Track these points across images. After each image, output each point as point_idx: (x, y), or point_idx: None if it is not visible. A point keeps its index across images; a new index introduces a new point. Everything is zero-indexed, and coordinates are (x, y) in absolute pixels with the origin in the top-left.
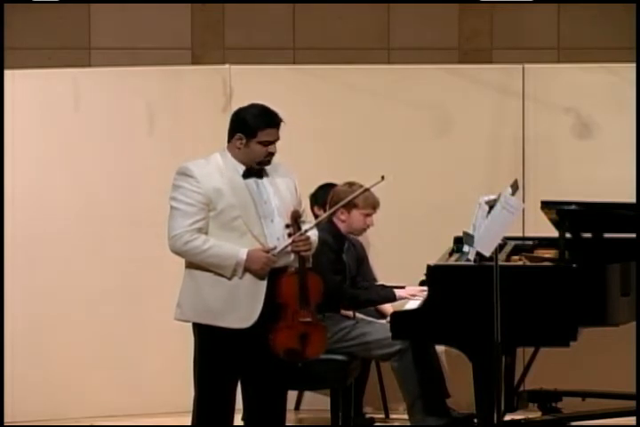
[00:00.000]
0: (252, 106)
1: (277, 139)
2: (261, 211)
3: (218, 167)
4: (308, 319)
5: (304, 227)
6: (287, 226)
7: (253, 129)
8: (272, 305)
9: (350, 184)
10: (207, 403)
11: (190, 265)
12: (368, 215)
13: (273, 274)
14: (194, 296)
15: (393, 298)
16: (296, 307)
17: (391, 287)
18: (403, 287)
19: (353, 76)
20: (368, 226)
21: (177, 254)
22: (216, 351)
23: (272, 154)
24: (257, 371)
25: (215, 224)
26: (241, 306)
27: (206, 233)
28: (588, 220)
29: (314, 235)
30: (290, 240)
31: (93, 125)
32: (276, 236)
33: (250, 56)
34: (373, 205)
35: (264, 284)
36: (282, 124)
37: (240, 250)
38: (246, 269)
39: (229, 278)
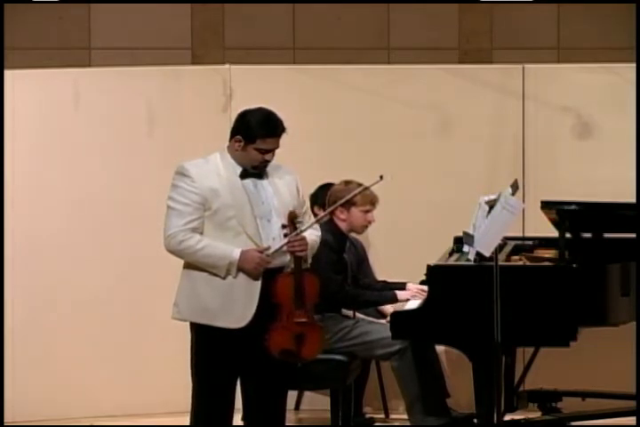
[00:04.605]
0: (259, 110)
1: (276, 147)
2: (257, 211)
3: (216, 167)
4: (304, 320)
5: (301, 227)
6: (283, 226)
7: (254, 135)
8: (268, 305)
9: (347, 182)
10: (204, 403)
11: (188, 265)
12: (367, 212)
13: (269, 274)
14: (190, 296)
15: (394, 299)
16: (291, 307)
17: (393, 284)
18: (404, 284)
19: (353, 76)
20: (369, 222)
21: (172, 254)
22: (213, 351)
23: (267, 161)
24: (257, 371)
25: (210, 224)
26: (236, 306)
27: (202, 233)
28: (588, 220)
29: (315, 235)
30: (285, 240)
31: (93, 125)
32: (272, 236)
33: (250, 56)
34: (372, 201)
35: (258, 284)
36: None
37: (233, 250)
38: (240, 269)
39: (223, 278)
